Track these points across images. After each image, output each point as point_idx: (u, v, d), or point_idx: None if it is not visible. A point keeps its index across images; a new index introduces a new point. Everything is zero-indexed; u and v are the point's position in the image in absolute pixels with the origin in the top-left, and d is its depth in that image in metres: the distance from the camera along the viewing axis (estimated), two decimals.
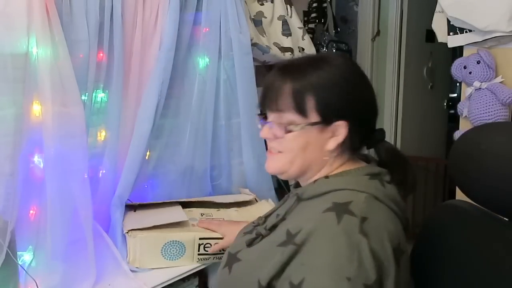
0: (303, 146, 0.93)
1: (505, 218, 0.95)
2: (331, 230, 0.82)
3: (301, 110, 0.92)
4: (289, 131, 0.93)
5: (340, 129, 0.93)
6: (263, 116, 0.98)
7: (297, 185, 1.05)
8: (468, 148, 0.97)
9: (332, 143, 0.94)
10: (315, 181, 0.96)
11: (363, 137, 0.97)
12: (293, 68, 0.95)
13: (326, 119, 0.92)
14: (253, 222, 1.09)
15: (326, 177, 0.95)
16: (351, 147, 0.97)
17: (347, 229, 0.81)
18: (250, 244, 0.96)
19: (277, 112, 0.94)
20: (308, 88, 0.92)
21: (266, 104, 0.96)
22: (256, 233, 0.97)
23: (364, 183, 0.92)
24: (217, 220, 1.45)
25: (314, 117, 0.92)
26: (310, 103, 0.91)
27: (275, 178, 2.10)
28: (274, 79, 0.95)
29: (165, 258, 1.35)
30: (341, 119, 0.92)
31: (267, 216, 1.06)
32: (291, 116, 0.92)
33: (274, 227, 0.95)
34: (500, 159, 0.89)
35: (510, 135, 0.92)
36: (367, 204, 0.87)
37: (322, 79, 0.92)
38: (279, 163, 0.96)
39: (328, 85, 0.92)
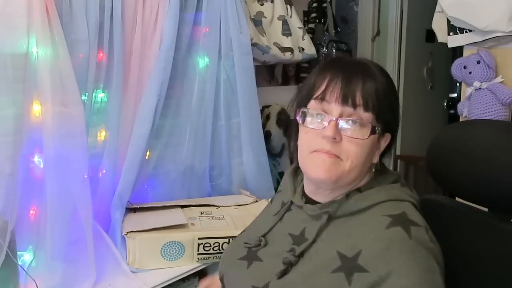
0: (368, 152, 0.84)
1: (484, 209, 0.97)
2: (406, 245, 0.75)
3: (379, 114, 0.83)
4: (373, 133, 0.83)
5: (383, 142, 0.88)
6: (321, 110, 0.85)
7: (309, 200, 0.92)
8: (450, 143, 0.99)
9: (377, 156, 0.88)
10: (347, 195, 0.87)
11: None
12: (366, 67, 0.86)
13: (385, 128, 0.86)
14: (245, 243, 0.96)
15: (359, 190, 0.87)
16: (380, 163, 0.90)
17: (420, 241, 0.77)
18: (282, 275, 0.84)
19: (361, 110, 0.83)
20: (385, 90, 0.84)
21: (352, 99, 0.82)
22: (284, 262, 0.85)
23: (398, 191, 0.87)
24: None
25: (382, 123, 0.85)
26: (385, 107, 0.84)
27: (275, 178, 2.10)
28: (355, 72, 0.84)
29: (164, 258, 1.34)
30: (388, 131, 0.88)
31: (265, 235, 0.95)
32: (372, 117, 0.83)
33: (303, 252, 0.85)
34: (485, 153, 0.91)
35: (493, 130, 0.96)
36: (416, 212, 0.83)
37: (389, 84, 0.87)
38: (339, 169, 0.83)
39: (393, 91, 0.88)
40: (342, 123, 0.82)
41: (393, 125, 0.88)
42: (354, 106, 0.82)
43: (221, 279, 0.99)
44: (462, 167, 0.95)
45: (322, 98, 0.84)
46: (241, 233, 1.08)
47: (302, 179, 0.97)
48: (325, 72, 0.86)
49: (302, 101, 0.89)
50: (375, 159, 0.87)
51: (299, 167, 0.95)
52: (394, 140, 0.90)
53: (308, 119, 0.86)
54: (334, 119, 0.82)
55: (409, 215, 0.80)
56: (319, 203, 0.89)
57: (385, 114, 0.84)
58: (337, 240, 0.82)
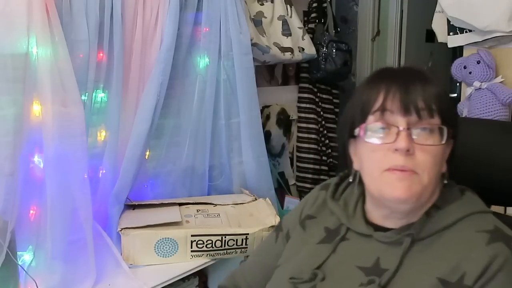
0: (441, 162, 0.78)
1: None
2: (509, 261, 0.71)
3: (445, 116, 0.77)
4: (449, 137, 0.77)
5: (448, 150, 0.80)
6: (384, 124, 0.77)
7: (377, 228, 0.81)
8: None
9: (445, 165, 0.80)
10: (426, 214, 0.78)
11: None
12: (419, 72, 0.81)
13: (453, 134, 0.79)
14: (291, 278, 0.83)
15: (437, 207, 0.79)
16: (449, 172, 0.82)
17: None
18: None
19: (429, 117, 0.76)
20: (446, 93, 0.80)
21: (414, 106, 0.75)
22: None
23: (478, 202, 0.81)
24: None
25: (448, 127, 0.78)
26: (448, 110, 0.79)
27: (275, 178, 2.10)
28: (411, 78, 0.78)
29: (158, 255, 1.36)
30: (453, 137, 0.80)
31: (319, 267, 0.82)
32: (437, 121, 0.76)
33: (385, 285, 0.75)
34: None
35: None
36: (505, 225, 0.77)
37: (445, 87, 0.81)
38: (419, 185, 0.74)
39: (449, 95, 0.82)
40: (413, 132, 0.75)
41: (456, 130, 0.81)
42: (419, 113, 0.75)
43: None
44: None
45: (383, 110, 0.77)
46: (275, 268, 0.91)
47: (356, 203, 0.87)
48: (377, 84, 0.79)
49: (357, 119, 0.80)
50: (444, 169, 0.80)
51: (337, 189, 0.92)
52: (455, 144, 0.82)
53: (371, 135, 0.77)
54: (404, 128, 0.74)
55: (504, 230, 0.76)
56: (390, 229, 0.80)
57: (450, 118, 0.78)
58: (431, 265, 0.74)
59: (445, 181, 0.81)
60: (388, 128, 0.76)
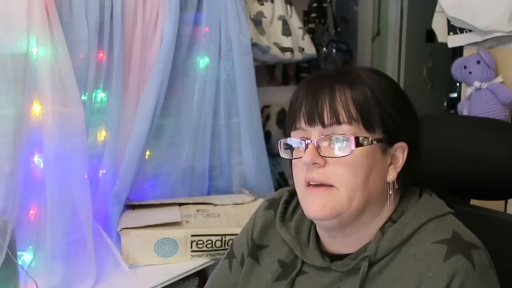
0: (367, 172, 0.70)
1: None
2: (470, 276, 0.65)
3: (366, 122, 0.70)
4: (360, 145, 0.69)
5: (399, 154, 0.74)
6: (301, 135, 0.74)
7: (334, 257, 0.76)
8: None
9: (393, 173, 0.73)
10: (381, 231, 0.73)
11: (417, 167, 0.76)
12: (344, 74, 0.74)
13: (389, 137, 0.72)
14: None
15: (392, 221, 0.74)
16: (408, 180, 0.76)
17: (484, 269, 0.67)
18: None
19: (337, 124, 0.70)
20: (374, 94, 0.71)
21: (318, 116, 0.71)
22: None
23: (434, 204, 0.75)
24: None
25: (378, 132, 0.72)
26: (375, 114, 0.71)
27: (275, 178, 2.10)
28: (324, 85, 0.72)
29: (158, 255, 1.36)
30: (402, 139, 0.74)
31: None
32: (354, 129, 0.70)
33: None
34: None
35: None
36: (464, 227, 0.72)
37: (384, 86, 0.73)
38: (337, 200, 0.70)
39: (389, 92, 0.74)
40: (320, 144, 0.70)
41: (405, 131, 0.74)
42: (323, 121, 0.71)
43: None
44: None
45: (298, 123, 0.74)
46: None
47: (310, 229, 0.82)
48: (297, 95, 0.76)
49: (287, 133, 0.78)
50: (390, 177, 0.73)
51: (287, 208, 0.86)
52: (416, 148, 0.76)
53: (294, 149, 0.75)
54: (310, 141, 0.71)
55: (463, 235, 0.69)
56: (347, 255, 0.74)
57: (379, 121, 0.71)
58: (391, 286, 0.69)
59: (390, 192, 0.74)
60: (301, 142, 0.73)
